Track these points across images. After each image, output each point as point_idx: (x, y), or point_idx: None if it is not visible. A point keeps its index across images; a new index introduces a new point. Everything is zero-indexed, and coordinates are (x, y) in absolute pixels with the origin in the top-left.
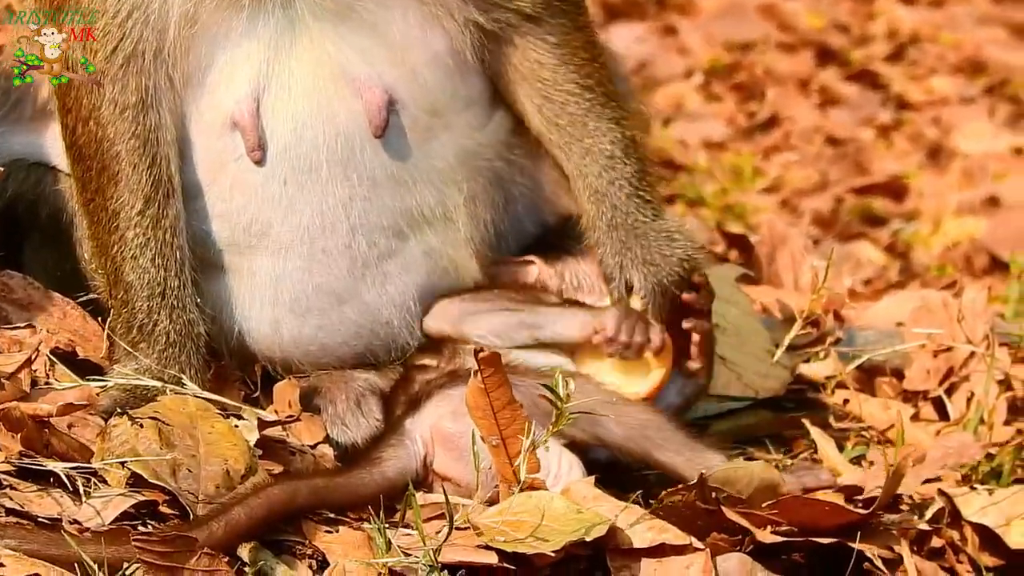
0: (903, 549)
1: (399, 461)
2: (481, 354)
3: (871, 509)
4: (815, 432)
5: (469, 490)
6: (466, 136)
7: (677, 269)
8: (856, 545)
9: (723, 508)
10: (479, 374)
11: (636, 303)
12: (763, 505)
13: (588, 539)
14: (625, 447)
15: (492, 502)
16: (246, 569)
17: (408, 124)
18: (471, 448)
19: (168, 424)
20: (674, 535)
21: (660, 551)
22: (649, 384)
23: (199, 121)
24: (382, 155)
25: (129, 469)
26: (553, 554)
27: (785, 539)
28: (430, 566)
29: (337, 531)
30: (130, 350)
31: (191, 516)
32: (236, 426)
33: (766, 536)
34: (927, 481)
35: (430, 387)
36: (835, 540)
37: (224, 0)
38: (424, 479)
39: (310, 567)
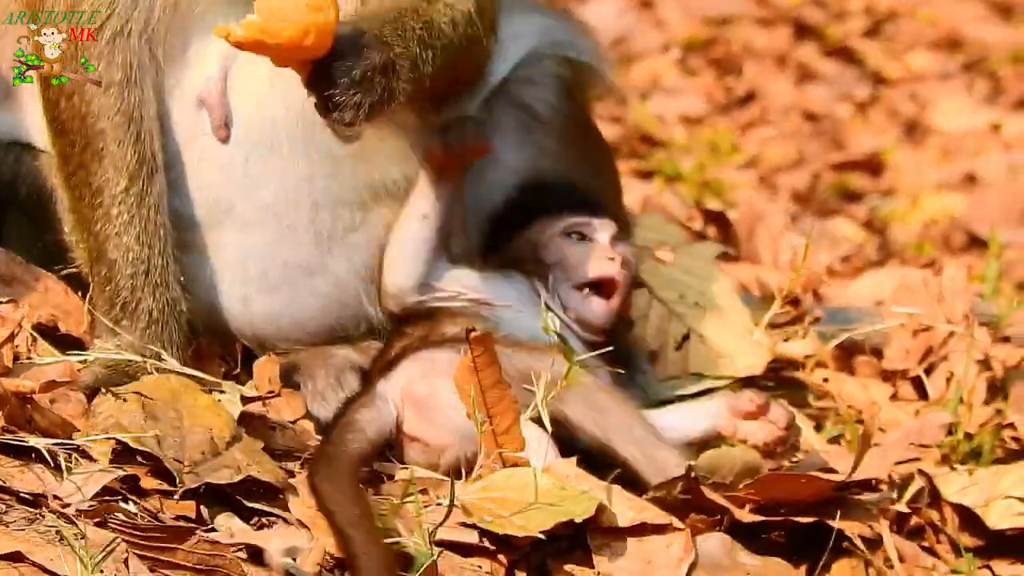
0: (883, 528)
1: (375, 423)
2: (473, 333)
3: (847, 479)
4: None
5: (438, 451)
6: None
7: None
8: (836, 524)
9: (702, 488)
10: (470, 352)
11: None
12: (742, 485)
13: (577, 520)
14: (588, 432)
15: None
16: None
17: None
18: (440, 409)
19: (151, 399)
20: (654, 514)
21: (641, 530)
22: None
23: (176, 97)
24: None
25: (114, 439)
26: (541, 535)
27: (764, 518)
28: (430, 543)
29: None
30: (111, 326)
31: (177, 482)
32: (218, 400)
33: (744, 515)
34: (906, 461)
35: (404, 351)
36: (814, 519)
37: None
38: (396, 442)
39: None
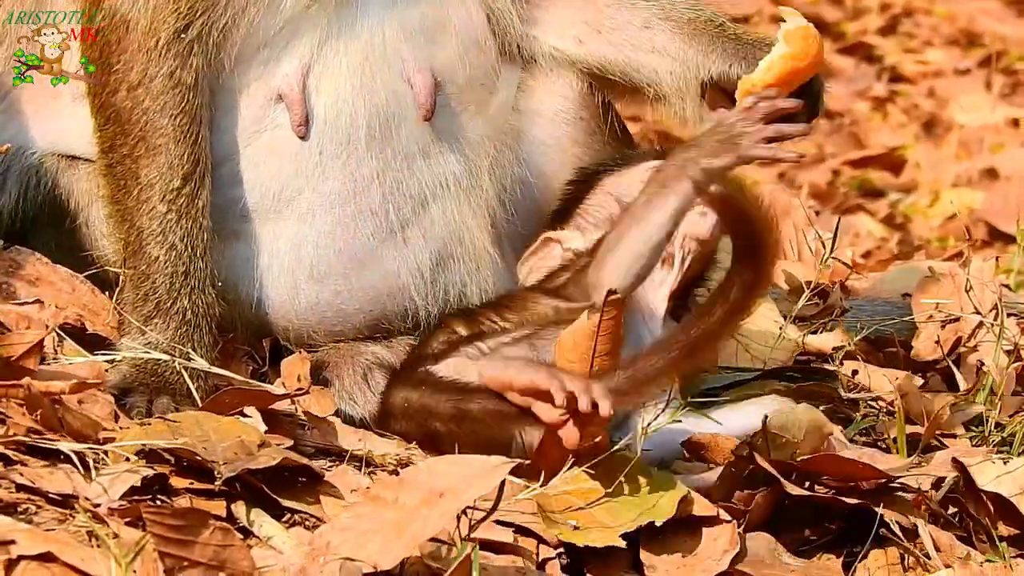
0: (919, 518)
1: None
2: (612, 296)
3: (904, 464)
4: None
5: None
6: (494, 102)
7: None
8: (880, 510)
9: (756, 455)
10: (598, 314)
11: None
12: (807, 455)
13: (658, 523)
14: None
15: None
16: (252, 540)
17: (451, 104)
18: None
19: (176, 422)
20: (701, 506)
21: (688, 522)
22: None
23: (239, 92)
24: (420, 133)
25: (142, 444)
26: (625, 544)
27: (810, 493)
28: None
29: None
30: (139, 325)
31: (216, 473)
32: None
33: (792, 488)
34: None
35: (450, 346)
36: (860, 502)
37: None
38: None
39: None
